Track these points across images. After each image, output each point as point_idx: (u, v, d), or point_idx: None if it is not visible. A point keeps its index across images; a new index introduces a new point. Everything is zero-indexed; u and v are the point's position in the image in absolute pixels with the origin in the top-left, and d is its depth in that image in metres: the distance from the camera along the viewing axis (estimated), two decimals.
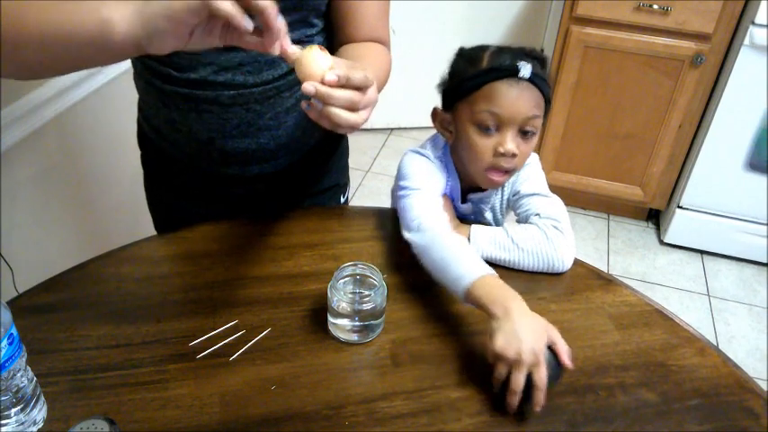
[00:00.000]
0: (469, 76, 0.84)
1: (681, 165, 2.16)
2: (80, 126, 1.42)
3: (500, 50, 0.85)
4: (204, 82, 0.83)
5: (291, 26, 0.85)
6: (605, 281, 0.88)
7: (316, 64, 0.59)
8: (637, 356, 0.76)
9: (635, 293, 0.86)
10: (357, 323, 0.74)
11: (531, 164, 0.94)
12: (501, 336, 0.67)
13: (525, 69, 0.81)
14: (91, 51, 0.61)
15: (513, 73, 0.81)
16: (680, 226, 2.20)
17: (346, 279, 0.77)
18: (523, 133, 0.85)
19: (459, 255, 0.77)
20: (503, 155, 0.84)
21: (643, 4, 1.88)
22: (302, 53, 0.60)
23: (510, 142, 0.84)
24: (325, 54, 0.61)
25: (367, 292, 0.74)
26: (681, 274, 2.17)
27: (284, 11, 0.82)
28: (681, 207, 2.17)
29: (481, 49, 0.87)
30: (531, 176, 0.93)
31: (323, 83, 0.59)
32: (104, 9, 0.58)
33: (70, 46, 0.61)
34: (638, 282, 2.12)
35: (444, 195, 0.94)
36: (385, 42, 0.91)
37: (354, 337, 0.75)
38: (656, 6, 1.88)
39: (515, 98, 0.82)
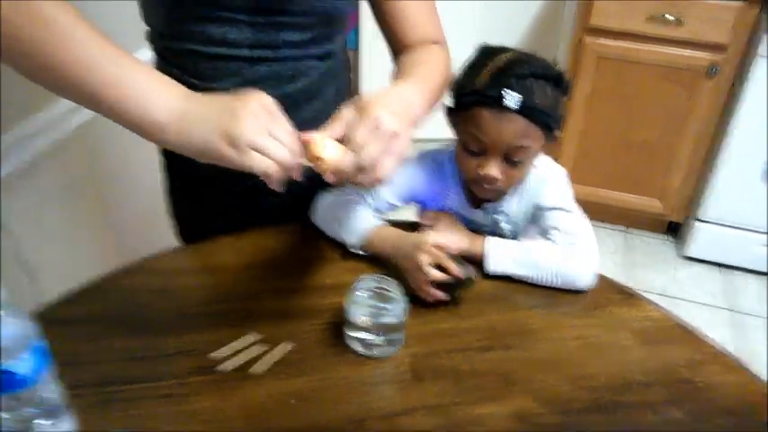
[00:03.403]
0: (460, 94, 0.84)
1: (699, 177, 2.14)
2: (102, 136, 1.44)
3: (504, 68, 0.81)
4: None
5: (314, 41, 0.86)
6: (627, 295, 0.87)
7: (320, 170, 0.67)
8: (662, 373, 0.75)
9: (658, 308, 0.85)
10: (377, 337, 0.74)
11: (554, 178, 0.92)
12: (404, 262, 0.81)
13: (511, 100, 0.78)
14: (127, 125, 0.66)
15: (497, 101, 0.79)
16: (700, 239, 2.17)
17: (366, 292, 0.77)
18: (510, 160, 0.84)
19: (357, 211, 0.87)
20: (484, 177, 0.84)
21: (656, 15, 1.88)
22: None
23: (492, 168, 0.83)
24: (324, 148, 0.66)
25: (386, 306, 0.74)
26: (702, 289, 2.13)
27: (306, 27, 0.84)
28: (700, 220, 2.14)
29: (489, 59, 0.83)
30: (554, 191, 0.91)
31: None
32: (154, 110, 0.63)
33: (99, 110, 0.66)
34: (658, 296, 2.09)
35: (445, 211, 0.94)
36: (439, 41, 0.90)
37: (374, 352, 0.75)
38: (668, 16, 1.87)
39: (499, 127, 0.80)
